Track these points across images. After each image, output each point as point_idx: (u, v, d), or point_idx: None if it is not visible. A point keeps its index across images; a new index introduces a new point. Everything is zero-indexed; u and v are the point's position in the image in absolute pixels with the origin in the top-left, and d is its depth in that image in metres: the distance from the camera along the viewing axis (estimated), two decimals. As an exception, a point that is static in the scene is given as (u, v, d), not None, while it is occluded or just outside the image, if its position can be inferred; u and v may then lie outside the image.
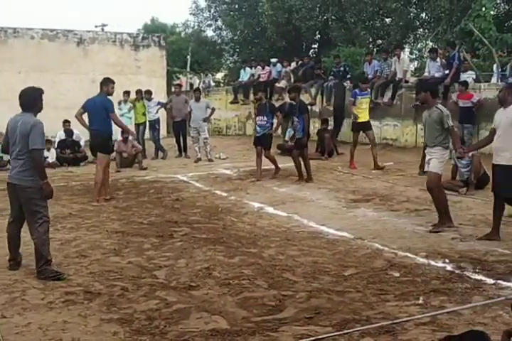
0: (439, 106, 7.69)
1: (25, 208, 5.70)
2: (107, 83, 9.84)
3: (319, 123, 15.87)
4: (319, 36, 26.47)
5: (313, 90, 17.96)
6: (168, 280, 5.56)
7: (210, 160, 14.35)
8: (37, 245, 5.67)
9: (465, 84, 13.21)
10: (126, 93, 16.25)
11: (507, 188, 6.71)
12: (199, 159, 14.44)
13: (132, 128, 15.09)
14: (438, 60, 14.21)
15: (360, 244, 6.79)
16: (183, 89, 25.39)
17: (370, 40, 25.44)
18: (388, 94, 15.31)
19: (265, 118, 11.66)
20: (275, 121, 12.02)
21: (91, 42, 21.36)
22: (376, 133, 15.60)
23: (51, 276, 5.58)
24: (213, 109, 15.32)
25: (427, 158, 7.67)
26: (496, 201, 6.93)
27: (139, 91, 15.92)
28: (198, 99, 14.91)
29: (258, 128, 11.87)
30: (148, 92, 15.86)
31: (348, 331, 4.36)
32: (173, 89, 17.63)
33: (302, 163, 11.29)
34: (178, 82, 24.44)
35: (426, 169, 7.77)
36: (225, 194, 10.15)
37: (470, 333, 2.29)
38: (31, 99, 5.76)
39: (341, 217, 8.25)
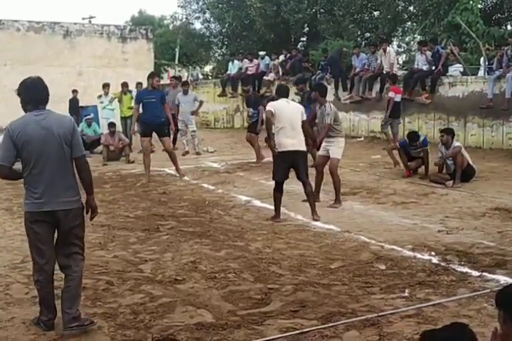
0: (328, 104, 8.64)
1: (63, 239, 4.33)
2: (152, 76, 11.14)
3: (307, 116, 15.84)
4: (308, 29, 26.42)
5: (301, 83, 17.92)
6: (153, 274, 5.54)
7: (197, 154, 14.31)
8: (76, 282, 4.40)
9: (394, 78, 13.56)
10: (106, 85, 16.14)
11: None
12: (187, 152, 14.38)
13: (118, 121, 15.05)
14: (426, 53, 14.22)
15: (346, 237, 6.80)
16: (168, 81, 25.29)
17: (359, 33, 25.44)
18: (376, 87, 15.30)
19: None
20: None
21: (78, 34, 21.21)
22: (364, 126, 15.67)
23: (87, 324, 4.30)
24: (201, 102, 15.26)
25: (326, 146, 8.64)
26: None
27: (124, 84, 15.79)
28: (185, 92, 14.83)
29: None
30: (140, 85, 15.76)
31: (334, 324, 4.36)
32: (162, 82, 17.50)
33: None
34: (165, 74, 24.34)
35: (326, 154, 8.69)
36: (212, 187, 10.13)
37: (452, 326, 2.28)
38: (48, 92, 4.34)
39: (328, 210, 8.25)
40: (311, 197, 7.90)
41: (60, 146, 4.18)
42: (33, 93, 4.27)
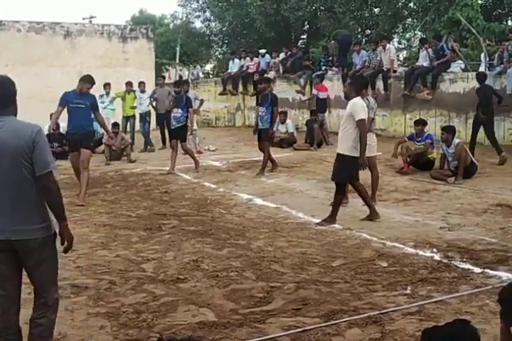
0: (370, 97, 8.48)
1: (34, 273, 3.55)
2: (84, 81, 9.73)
3: (308, 113, 15.84)
4: (308, 27, 26.42)
5: (302, 81, 17.93)
6: (156, 273, 5.54)
7: (199, 152, 14.28)
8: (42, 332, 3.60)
9: (321, 76, 15.09)
10: (107, 85, 16.15)
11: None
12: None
13: (119, 120, 15.05)
14: (427, 50, 14.22)
15: (348, 235, 6.80)
16: (172, 80, 25.24)
17: (359, 30, 25.43)
18: (379, 85, 15.29)
19: (264, 110, 11.03)
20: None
21: (78, 34, 21.17)
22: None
23: None
24: (202, 101, 15.25)
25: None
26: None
27: (129, 83, 15.80)
28: (186, 91, 14.80)
29: (259, 120, 11.20)
30: (143, 84, 15.76)
31: (336, 322, 4.36)
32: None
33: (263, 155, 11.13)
34: (166, 73, 24.35)
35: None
36: (213, 186, 10.13)
37: (453, 323, 2.28)
38: (10, 93, 3.57)
39: (330, 208, 8.22)
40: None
41: (16, 163, 3.37)
42: None
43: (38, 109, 15.05)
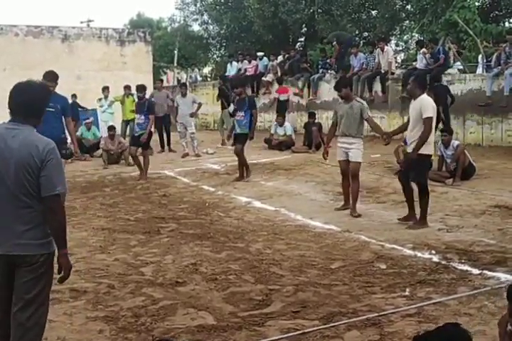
0: (359, 98, 8.25)
1: (21, 294, 3.30)
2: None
3: (306, 116, 15.86)
4: (306, 29, 26.44)
5: (300, 83, 17.97)
6: (154, 277, 5.54)
7: (197, 155, 14.30)
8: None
9: (279, 80, 16.24)
10: (106, 88, 16.16)
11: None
12: (186, 154, 14.38)
13: (117, 124, 15.05)
14: (423, 50, 14.24)
15: (347, 237, 6.80)
16: (171, 84, 25.31)
17: (357, 32, 25.45)
18: (376, 87, 15.31)
19: (242, 114, 10.76)
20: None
21: (76, 38, 21.24)
22: (364, 126, 15.67)
23: None
24: (200, 104, 15.25)
25: (346, 147, 8.05)
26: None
27: (127, 87, 15.80)
28: (184, 95, 14.83)
29: (236, 125, 10.86)
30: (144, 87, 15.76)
31: (335, 324, 4.36)
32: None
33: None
34: (164, 77, 24.37)
35: (344, 159, 8.15)
36: (212, 189, 10.13)
37: (444, 327, 2.28)
38: (35, 102, 3.39)
39: (328, 210, 8.25)
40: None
41: (20, 176, 3.23)
42: (10, 99, 3.39)
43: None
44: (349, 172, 8.09)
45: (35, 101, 3.40)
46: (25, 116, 3.35)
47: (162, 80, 18.19)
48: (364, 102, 8.24)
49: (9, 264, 3.28)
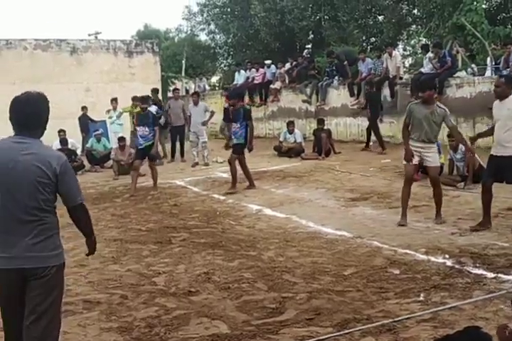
0: (440, 104, 7.77)
1: (33, 306, 3.31)
2: None
3: (315, 123, 15.85)
4: (312, 36, 26.49)
5: (308, 90, 17.98)
6: (167, 287, 5.54)
7: (206, 164, 14.31)
8: None
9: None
10: (114, 100, 16.23)
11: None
12: (196, 163, 14.40)
13: (126, 135, 15.09)
14: (428, 55, 14.22)
15: (359, 243, 6.77)
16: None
17: (364, 38, 25.49)
18: (386, 92, 15.28)
19: (238, 126, 10.61)
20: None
21: (84, 50, 21.36)
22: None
23: None
24: (213, 112, 15.25)
25: (422, 152, 7.65)
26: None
27: (135, 98, 15.85)
28: (196, 103, 14.87)
29: (233, 136, 10.80)
30: (153, 94, 15.81)
31: (349, 331, 4.34)
32: (169, 95, 17.59)
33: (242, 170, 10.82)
34: (174, 86, 24.42)
35: (414, 163, 7.75)
36: (222, 197, 10.13)
37: (465, 331, 2.25)
38: (43, 113, 3.44)
39: (340, 217, 8.22)
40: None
41: (33, 189, 3.26)
42: (14, 113, 3.36)
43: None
44: (414, 176, 8.00)
45: (42, 112, 3.42)
46: (32, 128, 3.36)
47: (178, 89, 18.16)
48: (446, 108, 7.67)
49: (21, 278, 3.29)
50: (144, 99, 11.96)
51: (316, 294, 5.13)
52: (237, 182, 10.62)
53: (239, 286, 5.44)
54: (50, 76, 19.99)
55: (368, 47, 24.47)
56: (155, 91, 16.22)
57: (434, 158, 7.71)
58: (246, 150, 10.82)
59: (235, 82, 21.51)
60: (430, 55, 14.11)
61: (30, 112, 3.36)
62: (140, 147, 11.40)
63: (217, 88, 29.21)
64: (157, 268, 6.15)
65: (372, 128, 14.37)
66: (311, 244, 6.79)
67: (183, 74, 29.03)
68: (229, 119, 11.71)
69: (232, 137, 10.83)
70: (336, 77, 16.98)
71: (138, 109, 15.47)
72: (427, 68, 14.21)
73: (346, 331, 4.34)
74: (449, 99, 13.72)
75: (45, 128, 3.45)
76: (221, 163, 14.67)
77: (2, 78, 18.96)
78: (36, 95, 3.45)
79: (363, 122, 15.27)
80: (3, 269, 3.27)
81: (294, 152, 14.50)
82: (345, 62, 16.64)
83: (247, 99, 20.74)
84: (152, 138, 11.23)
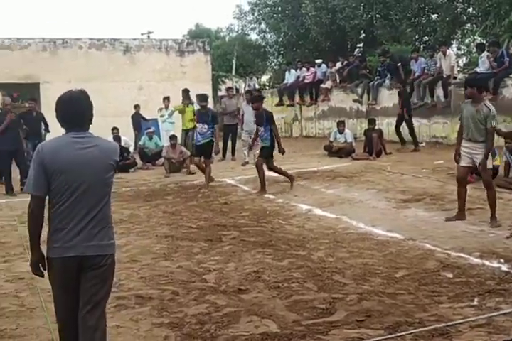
0: (488, 103, 7.58)
1: (90, 296, 3.42)
2: None
3: (366, 123, 15.70)
4: (364, 35, 26.24)
5: (359, 90, 17.83)
6: (217, 284, 5.58)
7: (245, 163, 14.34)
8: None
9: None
10: (166, 99, 16.42)
11: None
12: (246, 162, 14.45)
13: (178, 133, 15.27)
14: (484, 54, 13.89)
15: (411, 245, 6.67)
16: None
17: (416, 37, 25.09)
18: (438, 92, 15.01)
19: (262, 129, 10.59)
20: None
21: (137, 49, 21.73)
22: (425, 132, 15.42)
23: None
24: None
25: (472, 153, 7.51)
26: None
27: (185, 91, 16.00)
28: (249, 102, 14.90)
29: (259, 139, 10.77)
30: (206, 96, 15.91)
31: (401, 334, 4.28)
32: (219, 93, 17.71)
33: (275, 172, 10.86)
34: (228, 85, 24.56)
35: (466, 164, 7.61)
36: (272, 197, 10.14)
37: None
38: (86, 110, 3.55)
39: (391, 218, 8.12)
40: None
41: (101, 180, 3.45)
42: (67, 112, 3.48)
43: (100, 124, 15.41)
44: (466, 178, 7.82)
45: (90, 108, 3.55)
46: (83, 124, 3.50)
47: (232, 88, 18.26)
48: (493, 109, 7.42)
49: (78, 267, 3.39)
50: (202, 97, 12.05)
51: (366, 296, 5.08)
52: (265, 184, 10.60)
53: (288, 286, 5.43)
54: (105, 75, 20.42)
55: (421, 46, 24.07)
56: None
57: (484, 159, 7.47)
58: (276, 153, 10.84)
59: (285, 81, 21.52)
60: (486, 54, 13.77)
61: (83, 109, 3.51)
62: (198, 143, 11.57)
63: (267, 87, 29.27)
64: (207, 265, 6.20)
65: (408, 125, 14.51)
66: (362, 245, 6.73)
67: (233, 73, 29.20)
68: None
69: (259, 140, 10.81)
70: (388, 77, 16.76)
71: (190, 107, 15.71)
72: (482, 67, 13.88)
73: (398, 334, 4.28)
74: (505, 100, 13.40)
75: (91, 123, 3.56)
76: (271, 162, 14.70)
77: (58, 76, 19.47)
78: (78, 93, 3.56)
79: (415, 122, 15.02)
80: (65, 257, 3.37)
81: (344, 152, 14.40)
82: (399, 64, 16.36)
83: (297, 98, 20.78)
84: (210, 136, 11.30)
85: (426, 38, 25.45)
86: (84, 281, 3.41)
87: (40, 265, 3.47)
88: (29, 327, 4.68)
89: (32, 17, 71.05)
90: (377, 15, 24.40)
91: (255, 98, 11.39)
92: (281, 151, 10.75)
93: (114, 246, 3.54)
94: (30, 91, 20.54)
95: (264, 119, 10.50)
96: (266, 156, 10.55)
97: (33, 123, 13.34)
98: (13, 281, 5.89)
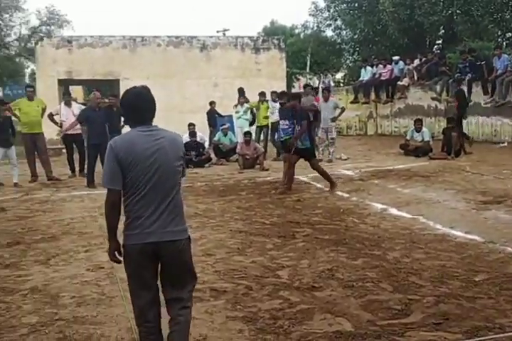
0: None
1: (178, 276, 3.67)
2: None
3: (444, 121, 15.29)
4: (443, 31, 25.57)
5: (438, 87, 17.39)
6: (291, 281, 5.58)
7: (329, 161, 14.25)
8: (186, 327, 3.73)
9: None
10: (242, 95, 16.56)
11: None
12: (320, 160, 14.36)
13: (252, 130, 15.38)
14: None
15: (491, 248, 6.44)
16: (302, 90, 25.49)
17: (499, 33, 24.23)
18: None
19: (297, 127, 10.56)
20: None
21: (213, 47, 22.01)
22: (508, 131, 14.88)
23: None
24: (343, 109, 15.10)
25: None
26: None
27: (262, 94, 16.11)
28: (326, 99, 14.82)
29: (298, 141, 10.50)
30: (275, 93, 15.97)
31: (480, 339, 4.14)
32: (293, 90, 17.65)
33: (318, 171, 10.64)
34: (296, 83, 24.55)
35: None
36: (346, 195, 10.04)
37: None
38: (154, 103, 3.71)
39: (470, 220, 7.87)
40: None
41: (174, 169, 3.62)
42: (137, 108, 3.62)
43: (177, 120, 15.82)
44: None
45: (155, 103, 3.70)
46: (151, 118, 3.66)
47: (310, 85, 18.19)
48: None
49: (154, 254, 3.54)
50: (282, 94, 12.07)
51: (444, 298, 4.95)
52: (331, 179, 10.52)
53: (363, 285, 5.36)
54: (182, 71, 20.82)
55: (504, 43, 23.21)
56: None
57: None
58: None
59: (360, 78, 21.26)
60: None
61: (151, 105, 3.66)
62: (281, 140, 11.60)
63: (341, 84, 29.02)
64: (281, 261, 6.21)
65: (457, 125, 14.03)
66: (439, 247, 6.56)
67: (307, 70, 29.10)
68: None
69: (298, 142, 10.50)
70: (469, 75, 16.24)
71: (265, 104, 15.79)
72: None
73: (477, 339, 4.14)
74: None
75: (154, 117, 3.69)
76: (345, 159, 14.59)
77: (137, 73, 20.01)
78: (144, 89, 3.69)
79: (497, 121, 14.52)
80: (144, 243, 3.51)
81: (421, 151, 14.09)
82: (483, 62, 15.82)
83: (373, 95, 20.50)
84: (291, 133, 11.06)
85: (509, 34, 24.54)
86: (165, 268, 3.61)
87: (116, 253, 3.65)
88: (109, 315, 4.84)
89: (113, 15, 73.31)
90: (458, 11, 23.71)
91: (292, 96, 11.35)
92: (290, 144, 10.51)
93: (187, 231, 3.68)
94: (110, 87, 21.22)
95: (299, 116, 10.46)
96: (309, 157, 10.52)
97: (114, 118, 13.75)
98: (94, 270, 6.10)
